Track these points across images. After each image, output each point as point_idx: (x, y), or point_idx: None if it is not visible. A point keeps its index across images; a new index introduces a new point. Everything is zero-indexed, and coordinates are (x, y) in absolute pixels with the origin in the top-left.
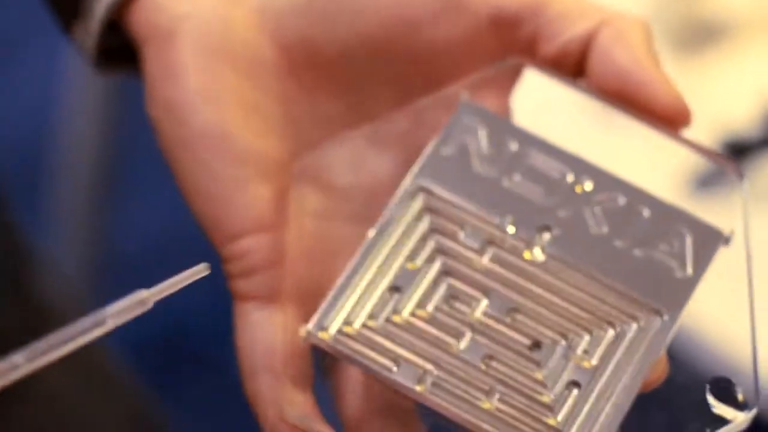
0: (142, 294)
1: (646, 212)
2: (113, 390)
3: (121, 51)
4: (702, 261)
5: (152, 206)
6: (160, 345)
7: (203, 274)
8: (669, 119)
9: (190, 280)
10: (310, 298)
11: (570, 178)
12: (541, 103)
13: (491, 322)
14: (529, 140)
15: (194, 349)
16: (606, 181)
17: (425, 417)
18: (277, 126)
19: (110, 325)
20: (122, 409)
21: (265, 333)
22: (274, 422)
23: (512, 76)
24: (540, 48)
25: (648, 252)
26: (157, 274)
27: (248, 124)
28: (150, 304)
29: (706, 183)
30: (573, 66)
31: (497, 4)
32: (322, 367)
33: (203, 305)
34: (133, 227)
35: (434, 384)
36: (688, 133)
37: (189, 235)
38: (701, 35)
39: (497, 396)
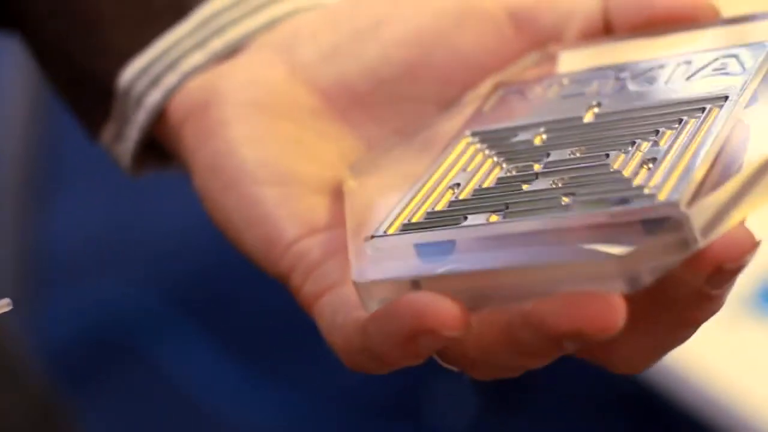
0: None
1: (688, 61)
2: (16, 380)
3: (147, 150)
4: (753, 65)
5: (79, 207)
6: (90, 338)
7: (4, 311)
8: (700, 16)
9: None
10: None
11: (607, 73)
12: None
13: (556, 165)
14: (566, 73)
15: (124, 342)
16: (642, 63)
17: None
18: (325, 157)
19: None
20: (25, 401)
21: (343, 302)
22: (361, 330)
23: (546, 66)
24: (565, 32)
25: (699, 78)
26: (84, 274)
27: (293, 155)
28: None
29: None
30: (603, 33)
31: (513, 3)
32: None
33: (136, 299)
34: (59, 228)
35: (506, 214)
36: None
37: (115, 236)
38: None
39: (573, 195)
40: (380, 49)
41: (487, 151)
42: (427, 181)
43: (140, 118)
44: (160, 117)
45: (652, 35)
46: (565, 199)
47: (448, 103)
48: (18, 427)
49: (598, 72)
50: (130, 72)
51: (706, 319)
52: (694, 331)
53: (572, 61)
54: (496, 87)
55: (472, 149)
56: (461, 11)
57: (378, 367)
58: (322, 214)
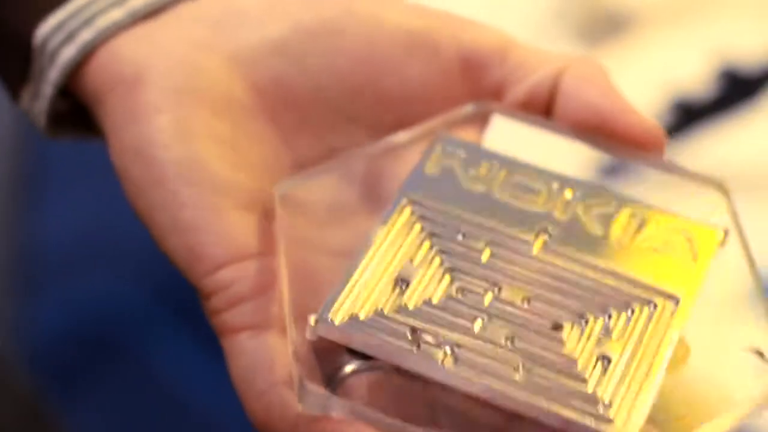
0: None
1: (636, 214)
2: (4, 381)
3: (69, 115)
4: (704, 256)
5: (70, 204)
6: (80, 335)
7: None
8: (646, 144)
9: None
10: (304, 325)
11: (557, 187)
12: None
13: (506, 308)
14: (511, 162)
15: (115, 340)
16: (591, 190)
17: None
18: (253, 163)
19: None
20: (14, 402)
21: (264, 357)
22: (292, 423)
23: (480, 121)
24: (508, 93)
25: (648, 244)
26: (75, 271)
27: (223, 157)
28: None
29: (611, 171)
30: (541, 108)
31: (467, 47)
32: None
33: (127, 296)
34: (50, 225)
35: (458, 361)
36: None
37: (106, 233)
38: (605, 26)
39: (526, 370)
40: (329, 59)
41: (433, 243)
42: (371, 256)
43: (53, 75)
44: (78, 76)
45: (587, 141)
46: (517, 374)
47: (379, 131)
48: (7, 429)
49: (548, 179)
50: (45, 27)
51: None
52: None
53: (504, 128)
54: (435, 136)
55: (417, 230)
56: (414, 40)
57: None
58: (252, 237)
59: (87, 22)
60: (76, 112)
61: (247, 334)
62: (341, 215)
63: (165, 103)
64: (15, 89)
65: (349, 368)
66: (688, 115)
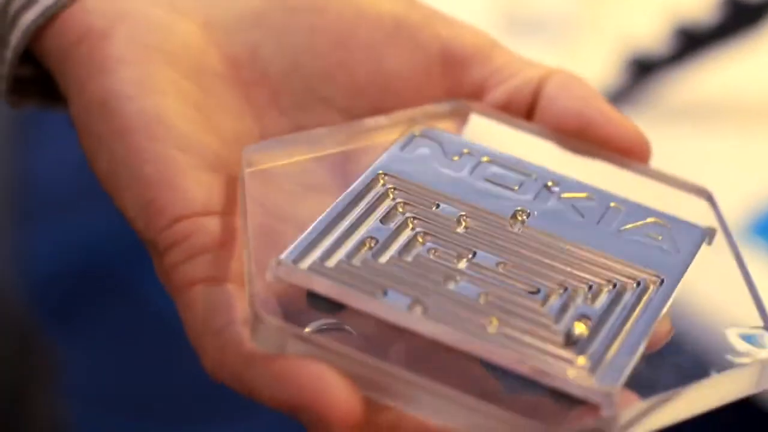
0: None
1: (620, 207)
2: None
3: (33, 82)
4: (687, 250)
5: (67, 136)
6: (76, 270)
7: None
8: (630, 152)
9: None
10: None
11: (536, 178)
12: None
13: (481, 271)
14: (490, 152)
15: (112, 275)
16: (571, 183)
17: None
18: (220, 129)
19: None
20: (8, 340)
21: (222, 300)
22: (244, 360)
23: (457, 120)
24: (488, 94)
25: (631, 236)
26: (71, 205)
27: (189, 117)
28: None
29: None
30: (521, 113)
31: (449, 44)
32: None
33: (125, 231)
34: (46, 158)
35: (429, 310)
36: (593, 51)
37: None
38: None
39: (501, 322)
40: (308, 36)
41: (407, 210)
42: (342, 214)
43: (14, 39)
44: (42, 38)
45: (568, 146)
46: (491, 326)
47: (352, 117)
48: (2, 359)
49: (526, 169)
50: None
51: None
52: None
53: (481, 127)
54: (410, 125)
55: (389, 197)
56: (395, 29)
57: (246, 394)
58: (213, 197)
59: None
60: (41, 79)
61: (204, 286)
62: (309, 188)
63: (132, 57)
64: None
65: (309, 328)
66: (691, 42)
